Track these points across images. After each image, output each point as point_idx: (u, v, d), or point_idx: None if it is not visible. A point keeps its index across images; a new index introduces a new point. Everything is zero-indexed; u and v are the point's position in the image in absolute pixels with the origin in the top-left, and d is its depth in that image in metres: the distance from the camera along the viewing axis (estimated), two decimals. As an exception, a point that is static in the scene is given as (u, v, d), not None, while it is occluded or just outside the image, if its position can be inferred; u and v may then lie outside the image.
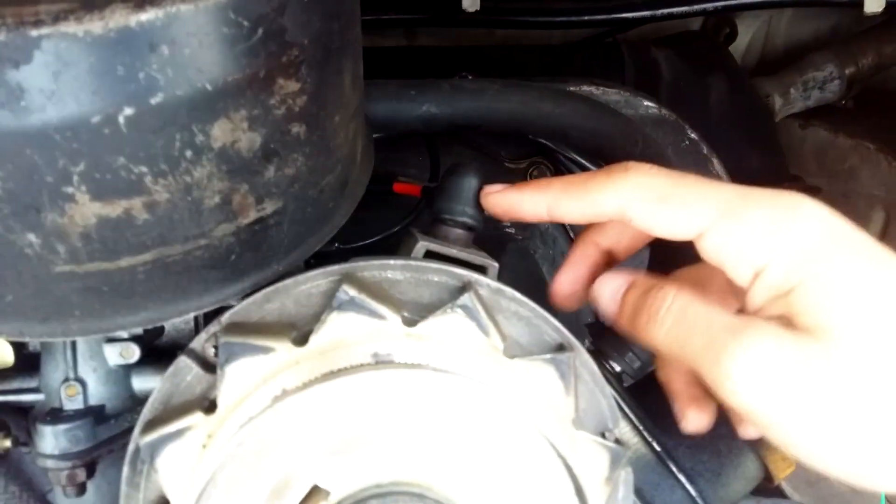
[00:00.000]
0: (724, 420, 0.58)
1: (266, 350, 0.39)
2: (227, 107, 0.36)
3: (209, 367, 0.41)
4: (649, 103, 0.78)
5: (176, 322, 0.57)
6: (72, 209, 0.35)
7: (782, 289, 0.38)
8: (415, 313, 0.42)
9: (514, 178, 0.77)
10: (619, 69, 1.00)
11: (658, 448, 0.55)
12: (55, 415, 0.50)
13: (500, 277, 0.78)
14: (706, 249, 0.40)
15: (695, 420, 0.47)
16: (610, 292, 0.45)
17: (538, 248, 0.79)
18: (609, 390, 0.46)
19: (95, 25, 0.32)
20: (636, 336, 0.43)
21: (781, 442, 0.37)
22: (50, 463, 0.48)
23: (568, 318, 0.81)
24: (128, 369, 0.54)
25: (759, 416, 0.36)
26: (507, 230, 0.78)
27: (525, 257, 0.78)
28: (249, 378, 0.39)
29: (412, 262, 0.43)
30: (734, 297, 0.45)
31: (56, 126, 0.33)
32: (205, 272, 0.41)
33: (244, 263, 0.42)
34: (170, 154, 0.35)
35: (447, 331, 0.41)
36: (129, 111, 0.33)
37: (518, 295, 0.44)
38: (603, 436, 0.45)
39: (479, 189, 0.51)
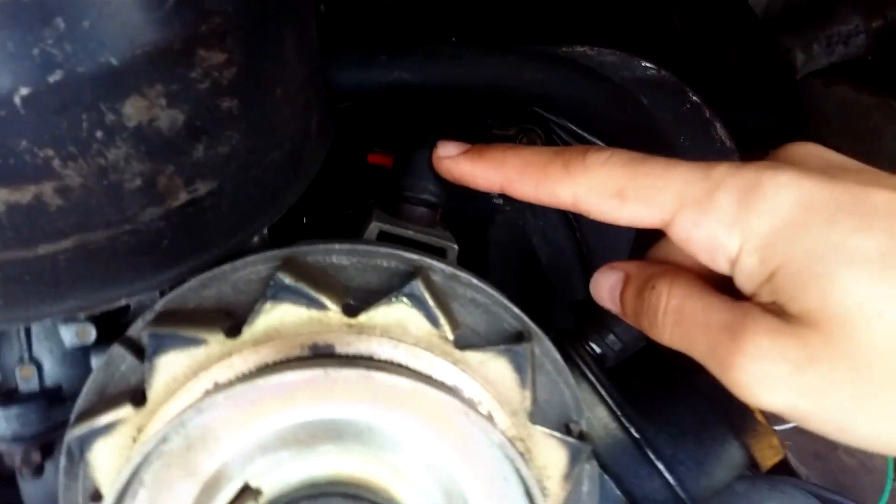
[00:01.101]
0: (709, 409, 0.55)
1: (197, 342, 0.37)
2: (140, 82, 0.33)
3: (144, 356, 0.39)
4: (647, 64, 0.74)
5: (142, 298, 0.55)
6: (-23, 196, 0.33)
7: (762, 275, 0.35)
8: (362, 301, 0.39)
9: (504, 145, 0.73)
10: (625, 23, 0.95)
11: (637, 435, 0.53)
12: (8, 397, 0.49)
13: (488, 251, 0.76)
14: (676, 239, 0.37)
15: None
16: (607, 292, 0.43)
17: (528, 221, 0.76)
18: (573, 381, 0.43)
19: (-23, -3, 0.29)
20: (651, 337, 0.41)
21: (814, 430, 0.35)
22: (2, 445, 0.47)
23: (550, 297, 0.78)
24: (86, 350, 0.52)
25: (782, 413, 0.34)
26: (496, 201, 0.74)
27: (514, 231, 0.75)
28: (180, 371, 0.37)
29: (359, 247, 0.40)
30: None
31: (-55, 109, 0.30)
32: (134, 258, 0.39)
33: (178, 248, 0.40)
34: (77, 135, 0.33)
35: (392, 321, 0.38)
36: (24, 91, 0.31)
37: (475, 280, 0.41)
38: (567, 428, 0.43)
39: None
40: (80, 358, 0.52)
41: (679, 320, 0.37)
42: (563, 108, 0.64)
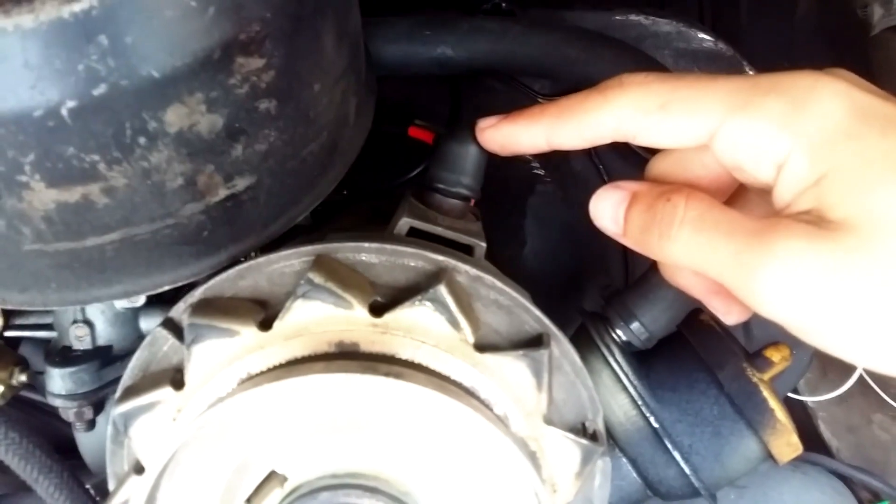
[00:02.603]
0: (729, 403, 0.56)
1: (231, 333, 0.39)
2: (180, 92, 0.34)
3: (184, 339, 0.42)
4: (704, 36, 0.71)
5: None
6: (29, 195, 0.35)
7: (809, 180, 0.34)
8: (390, 297, 0.41)
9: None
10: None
11: (655, 424, 0.54)
12: (64, 355, 0.53)
13: (526, 222, 0.76)
14: (720, 151, 0.36)
15: (735, 314, 0.44)
16: (609, 211, 0.40)
17: (569, 191, 0.75)
18: (590, 382, 0.44)
19: (25, 19, 0.30)
20: (649, 255, 0.39)
21: (824, 348, 0.34)
22: (58, 402, 0.52)
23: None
24: (136, 311, 0.55)
25: (799, 327, 0.33)
26: (536, 171, 0.74)
27: (553, 201, 0.74)
28: (215, 359, 0.40)
29: (387, 246, 0.41)
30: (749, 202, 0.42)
31: (-2, 119, 0.32)
32: (176, 248, 0.41)
33: (218, 238, 0.42)
34: (121, 142, 0.34)
35: (415, 322, 0.40)
36: (71, 104, 0.32)
37: (498, 283, 0.42)
38: (583, 426, 0.44)
39: (480, 157, 0.48)
40: (130, 319, 0.55)
41: (700, 228, 0.36)
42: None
